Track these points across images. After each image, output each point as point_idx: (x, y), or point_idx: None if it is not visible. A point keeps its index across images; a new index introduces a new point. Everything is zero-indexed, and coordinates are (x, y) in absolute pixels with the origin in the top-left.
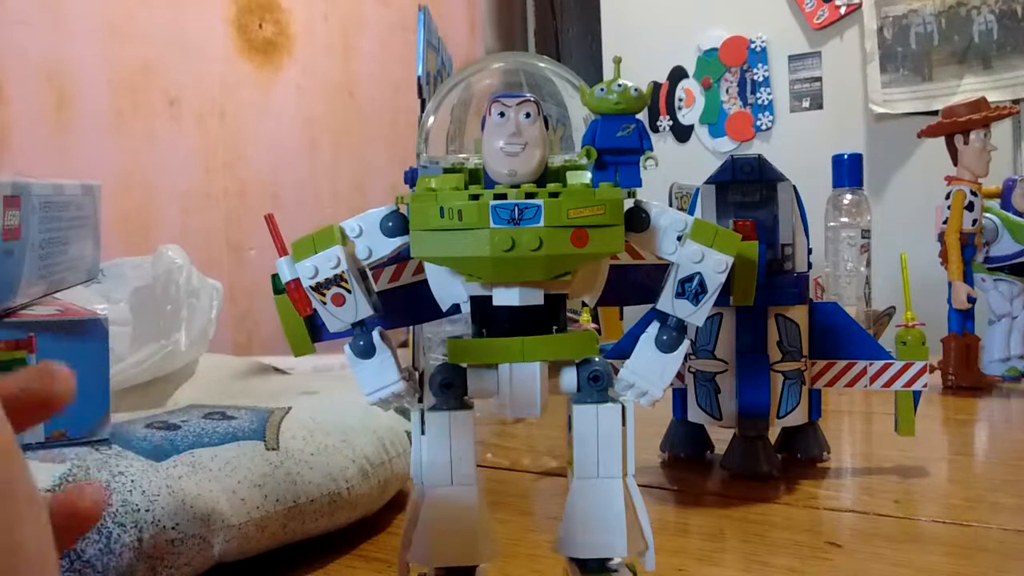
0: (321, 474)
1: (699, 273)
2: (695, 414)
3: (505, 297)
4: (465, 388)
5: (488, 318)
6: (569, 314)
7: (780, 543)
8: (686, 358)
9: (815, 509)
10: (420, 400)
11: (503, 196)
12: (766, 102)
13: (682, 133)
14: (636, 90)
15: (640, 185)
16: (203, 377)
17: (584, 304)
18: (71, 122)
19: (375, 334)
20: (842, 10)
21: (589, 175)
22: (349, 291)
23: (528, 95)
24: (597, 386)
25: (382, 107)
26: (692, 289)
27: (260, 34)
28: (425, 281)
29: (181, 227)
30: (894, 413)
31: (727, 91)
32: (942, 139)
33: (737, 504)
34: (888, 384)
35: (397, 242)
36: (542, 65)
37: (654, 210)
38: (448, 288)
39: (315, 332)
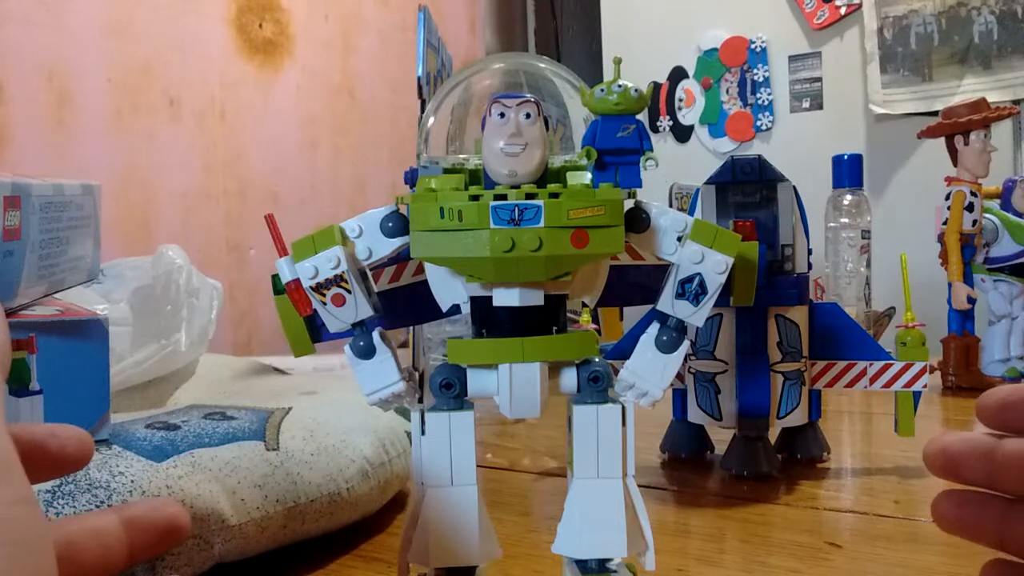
0: (321, 474)
1: (699, 274)
2: (695, 414)
3: (505, 298)
4: (465, 388)
5: (488, 318)
6: (569, 314)
7: (780, 543)
8: (686, 359)
9: (815, 509)
10: (420, 400)
11: (503, 197)
12: (766, 102)
13: (682, 133)
14: (636, 91)
15: (640, 185)
16: (203, 377)
17: (584, 304)
18: (71, 121)
19: (375, 334)
20: (842, 10)
21: (589, 175)
22: (349, 291)
23: (528, 95)
24: (597, 387)
25: (382, 107)
26: (692, 290)
27: (260, 34)
28: (425, 281)
29: (181, 227)
30: (894, 413)
31: (727, 91)
32: (942, 140)
33: (737, 504)
34: (888, 385)
35: (397, 242)
36: (542, 65)
37: (654, 210)
38: (448, 288)
39: (315, 332)
